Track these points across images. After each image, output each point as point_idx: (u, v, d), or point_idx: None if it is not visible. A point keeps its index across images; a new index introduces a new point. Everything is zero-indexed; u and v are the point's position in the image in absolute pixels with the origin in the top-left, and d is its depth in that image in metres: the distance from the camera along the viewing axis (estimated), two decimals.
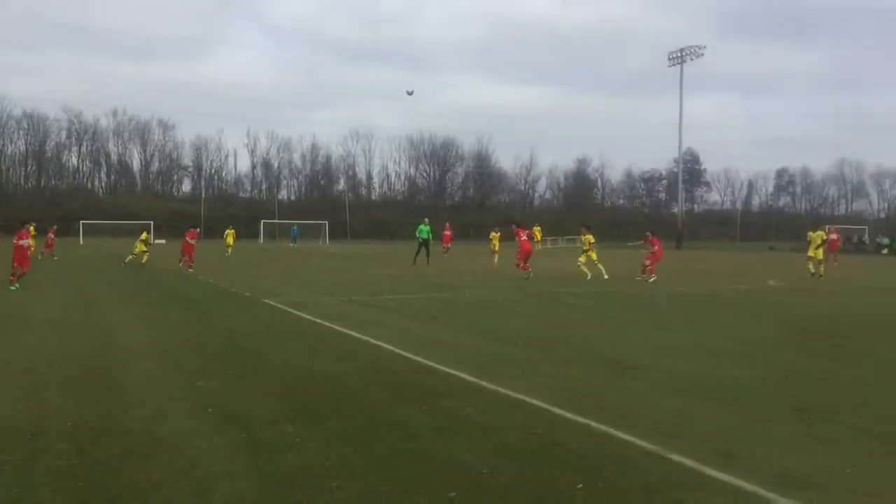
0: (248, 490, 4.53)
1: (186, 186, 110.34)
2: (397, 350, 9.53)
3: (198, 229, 29.13)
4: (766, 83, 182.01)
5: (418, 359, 8.92)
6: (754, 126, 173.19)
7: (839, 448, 5.51)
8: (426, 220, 33.14)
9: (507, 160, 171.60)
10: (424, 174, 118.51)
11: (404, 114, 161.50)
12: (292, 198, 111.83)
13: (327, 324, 12.01)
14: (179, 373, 8.08)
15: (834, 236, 34.98)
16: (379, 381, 7.66)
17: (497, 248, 32.95)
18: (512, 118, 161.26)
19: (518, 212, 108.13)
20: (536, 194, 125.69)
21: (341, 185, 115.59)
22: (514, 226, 25.16)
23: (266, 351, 9.54)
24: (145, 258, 29.05)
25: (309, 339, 10.51)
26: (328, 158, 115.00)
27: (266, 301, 15.51)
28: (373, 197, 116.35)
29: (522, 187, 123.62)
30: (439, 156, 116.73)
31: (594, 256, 23.44)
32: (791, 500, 4.42)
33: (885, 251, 60.75)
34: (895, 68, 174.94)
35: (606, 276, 22.75)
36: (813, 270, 24.87)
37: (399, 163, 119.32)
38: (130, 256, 29.21)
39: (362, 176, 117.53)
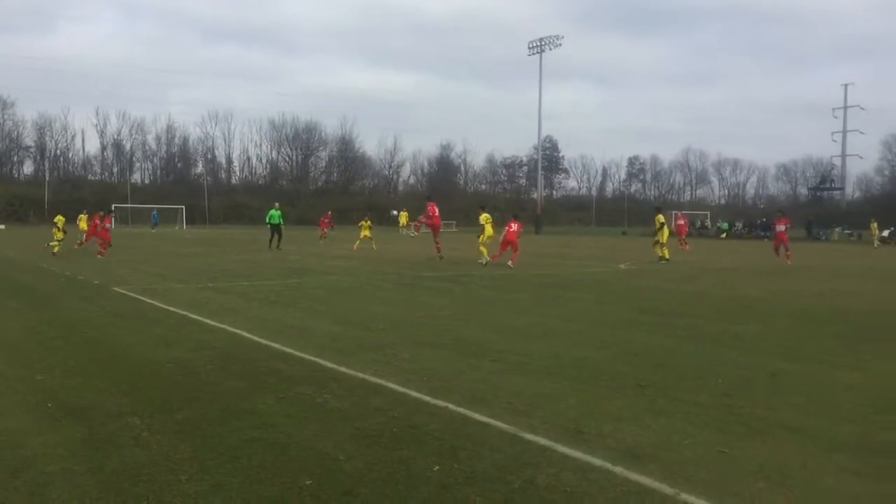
0: (89, 488, 4.30)
1: (28, 168, 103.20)
2: (254, 337, 9.31)
3: (112, 214, 26.87)
4: (619, 75, 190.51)
5: (275, 346, 8.76)
6: (609, 115, 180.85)
7: (677, 422, 5.84)
8: (276, 204, 33.23)
9: (371, 145, 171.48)
10: (287, 158, 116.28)
11: (266, 96, 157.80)
12: (146, 181, 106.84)
13: (181, 312, 11.58)
14: (14, 366, 7.56)
15: (681, 221, 37.14)
16: (233, 370, 7.46)
17: (368, 235, 32.98)
18: (376, 103, 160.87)
19: (383, 197, 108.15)
20: (401, 179, 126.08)
21: (199, 168, 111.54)
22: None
23: (113, 342, 9.09)
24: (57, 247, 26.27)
25: (160, 329, 10.09)
26: (185, 140, 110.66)
27: (116, 289, 14.77)
28: (233, 181, 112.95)
29: (387, 172, 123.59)
30: (302, 139, 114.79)
31: (489, 234, 23.80)
32: (634, 473, 4.64)
33: (723, 235, 65.05)
34: (735, 64, 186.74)
35: (483, 261, 22.98)
36: (660, 254, 26.34)
37: (260, 146, 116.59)
38: (54, 242, 26.31)
39: (222, 159, 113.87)
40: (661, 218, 27.32)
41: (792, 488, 4.44)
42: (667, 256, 26.18)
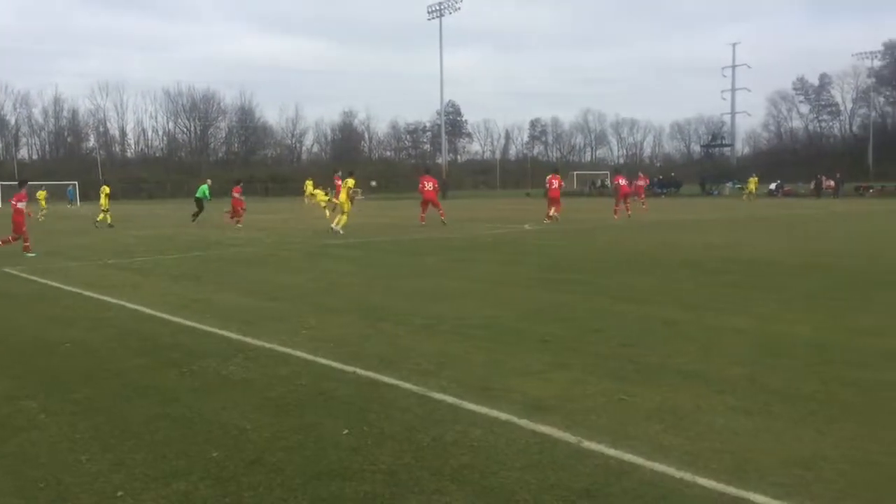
0: None
1: None
2: (156, 313, 9.07)
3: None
4: (518, 39, 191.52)
5: (178, 320, 8.56)
6: (510, 79, 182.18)
7: (579, 373, 6.03)
8: (208, 181, 33.30)
9: (272, 114, 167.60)
10: (184, 129, 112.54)
11: (159, 65, 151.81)
12: (35, 157, 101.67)
13: (77, 290, 11.15)
14: None
15: (641, 182, 38.88)
16: (135, 347, 7.27)
17: (324, 198, 32.33)
18: (276, 70, 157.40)
19: (286, 166, 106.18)
20: (304, 148, 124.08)
21: (91, 142, 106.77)
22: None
23: (3, 324, 8.69)
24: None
25: (56, 309, 9.71)
26: (74, 113, 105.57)
27: (5, 270, 14.07)
28: (128, 154, 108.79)
29: (290, 141, 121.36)
30: (200, 110, 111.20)
31: (329, 199, 22.93)
32: (539, 424, 4.78)
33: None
34: (630, 28, 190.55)
35: (336, 228, 22.13)
36: (552, 214, 27.13)
37: (156, 117, 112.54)
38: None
39: (115, 132, 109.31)
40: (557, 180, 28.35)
41: (686, 429, 4.66)
42: (549, 217, 27.08)
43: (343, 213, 22.64)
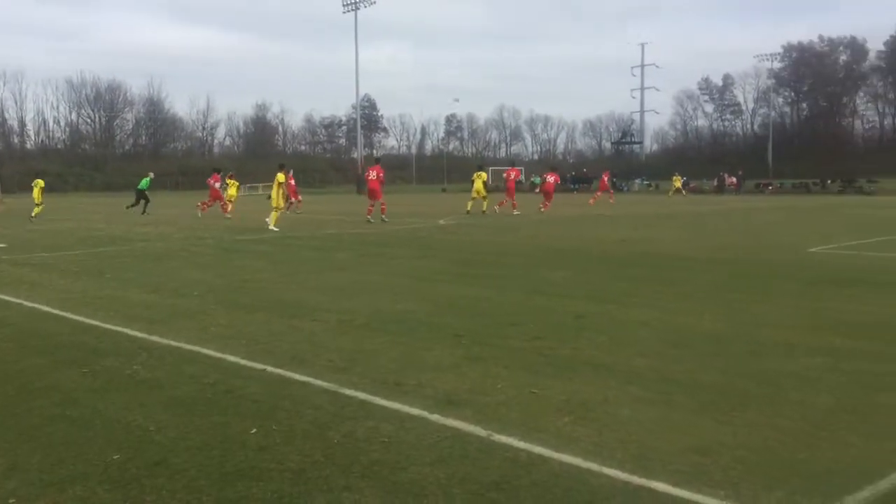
0: None
1: None
2: (56, 311, 8.71)
3: None
4: (433, 33, 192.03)
5: (80, 318, 8.24)
6: (425, 74, 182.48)
7: (491, 367, 6.08)
8: (151, 174, 34.43)
9: (182, 106, 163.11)
10: (89, 120, 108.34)
11: (61, 54, 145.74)
12: None
13: None
14: None
15: (605, 177, 40.39)
16: (33, 346, 6.96)
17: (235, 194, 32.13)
18: (186, 62, 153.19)
19: (197, 159, 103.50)
20: (216, 141, 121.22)
21: None
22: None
23: None
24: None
25: None
26: None
27: None
28: (28, 146, 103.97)
29: (200, 134, 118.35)
30: (105, 100, 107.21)
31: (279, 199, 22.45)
32: (450, 419, 4.80)
33: (537, 190, 67.78)
34: (545, 25, 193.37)
35: (272, 225, 21.50)
36: (471, 206, 27.92)
37: (58, 108, 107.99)
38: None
39: (13, 122, 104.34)
40: (483, 175, 28.86)
41: (594, 420, 4.76)
42: (468, 209, 28.40)
43: (275, 209, 21.95)
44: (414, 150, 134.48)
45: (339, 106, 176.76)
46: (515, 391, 5.42)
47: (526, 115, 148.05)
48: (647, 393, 5.33)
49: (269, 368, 6.05)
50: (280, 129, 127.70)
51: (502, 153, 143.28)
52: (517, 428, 4.62)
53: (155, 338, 7.22)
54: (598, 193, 41.18)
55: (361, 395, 5.33)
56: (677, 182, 53.95)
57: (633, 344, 6.82)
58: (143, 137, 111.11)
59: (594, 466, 4.00)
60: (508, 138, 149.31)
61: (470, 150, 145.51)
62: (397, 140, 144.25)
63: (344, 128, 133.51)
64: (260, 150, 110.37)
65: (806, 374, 5.75)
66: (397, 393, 5.38)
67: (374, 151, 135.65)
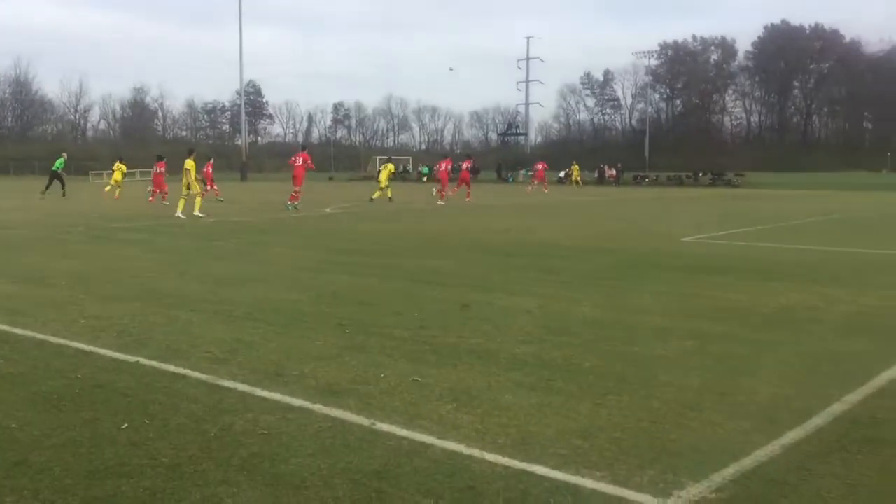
0: None
1: None
2: None
3: None
4: (322, 20, 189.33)
5: None
6: (313, 61, 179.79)
7: (375, 356, 6.05)
8: (64, 154, 35.26)
9: (52, 87, 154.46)
10: None
11: None
12: None
13: None
14: None
15: (539, 167, 41.78)
16: None
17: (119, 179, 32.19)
18: (57, 41, 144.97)
19: (69, 143, 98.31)
20: (89, 124, 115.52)
21: None
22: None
23: None
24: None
25: None
26: None
27: None
28: None
29: (72, 117, 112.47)
30: None
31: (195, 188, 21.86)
32: (333, 409, 4.73)
33: (424, 178, 68.11)
34: (434, 15, 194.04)
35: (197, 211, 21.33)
36: (377, 196, 28.49)
37: None
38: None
39: None
40: (391, 168, 29.85)
41: (476, 407, 4.81)
42: (374, 197, 28.65)
43: (191, 195, 21.47)
44: (300, 138, 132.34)
45: (222, 91, 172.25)
46: (399, 380, 5.40)
47: (414, 104, 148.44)
48: (529, 379, 5.43)
49: (143, 361, 5.80)
50: (160, 113, 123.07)
51: (390, 143, 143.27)
52: (400, 416, 4.61)
53: (18, 330, 6.80)
54: (535, 182, 43.36)
55: (241, 387, 5.19)
56: (577, 172, 55.01)
57: (517, 331, 6.93)
58: (9, 119, 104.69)
59: (476, 452, 4.04)
60: (396, 128, 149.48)
61: (357, 138, 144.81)
62: (283, 127, 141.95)
63: (228, 114, 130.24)
64: (138, 134, 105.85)
65: (677, 358, 6.00)
66: (278, 384, 5.27)
67: (259, 138, 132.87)
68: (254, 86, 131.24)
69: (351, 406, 4.79)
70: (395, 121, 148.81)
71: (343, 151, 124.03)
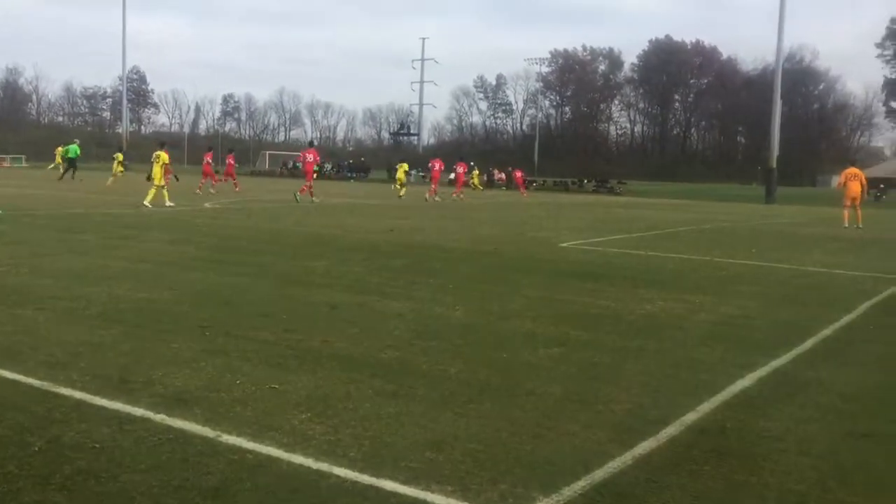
0: None
1: None
2: None
3: None
4: (212, 8, 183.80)
5: None
6: (203, 50, 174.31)
7: (234, 361, 5.76)
8: (77, 140, 40.20)
9: None
10: None
11: None
12: None
13: None
14: None
15: (437, 166, 40.18)
16: None
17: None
18: None
19: None
20: None
21: None
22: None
23: None
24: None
25: None
26: None
27: None
28: None
29: None
30: None
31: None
32: (177, 419, 4.44)
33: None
34: (329, 10, 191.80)
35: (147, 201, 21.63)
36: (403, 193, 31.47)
37: None
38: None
39: None
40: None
41: (332, 416, 4.61)
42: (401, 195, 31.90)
43: (158, 187, 22.29)
44: (187, 129, 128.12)
45: (104, 76, 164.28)
46: (255, 387, 5.14)
47: (307, 100, 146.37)
48: (391, 386, 5.28)
49: None
50: (35, 97, 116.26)
51: (281, 137, 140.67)
52: (249, 427, 4.36)
53: None
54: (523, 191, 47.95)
55: (78, 395, 4.81)
56: (476, 178, 54.93)
57: (385, 336, 6.77)
58: None
59: (325, 466, 3.85)
60: (288, 122, 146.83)
61: (247, 132, 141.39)
62: (169, 117, 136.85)
63: (109, 100, 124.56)
64: (9, 118, 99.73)
65: (542, 365, 5.99)
66: (121, 391, 4.91)
67: (143, 128, 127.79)
68: (138, 72, 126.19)
69: (197, 416, 4.51)
70: (288, 116, 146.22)
71: (232, 145, 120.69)
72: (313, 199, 27.27)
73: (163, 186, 22.38)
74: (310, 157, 27.88)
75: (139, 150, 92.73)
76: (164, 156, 22.61)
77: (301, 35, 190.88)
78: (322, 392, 5.09)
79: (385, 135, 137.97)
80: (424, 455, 4.04)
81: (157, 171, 22.54)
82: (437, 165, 36.25)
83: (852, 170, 24.43)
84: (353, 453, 4.03)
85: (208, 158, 31.83)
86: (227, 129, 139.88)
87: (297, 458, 3.94)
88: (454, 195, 35.44)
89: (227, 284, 9.10)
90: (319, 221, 19.55)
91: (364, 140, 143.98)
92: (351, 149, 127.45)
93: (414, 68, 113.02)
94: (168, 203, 21.84)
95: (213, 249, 12.44)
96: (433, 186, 34.72)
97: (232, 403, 4.79)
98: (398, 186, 35.87)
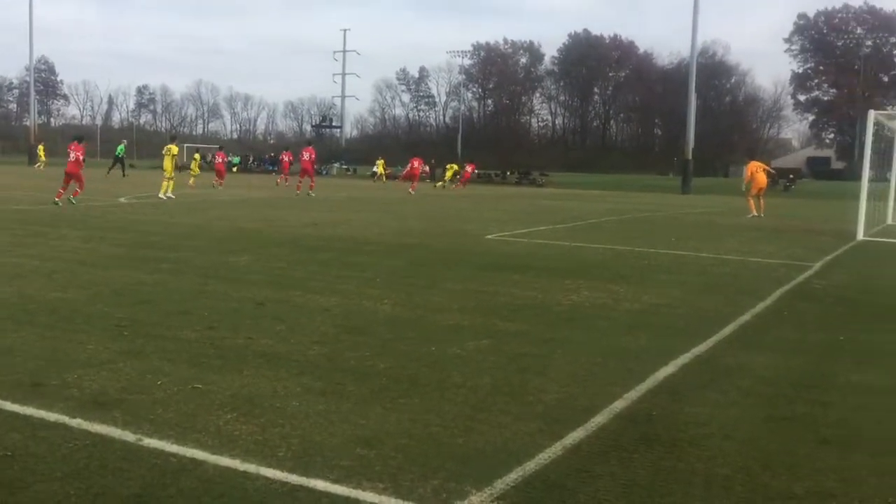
0: None
1: None
2: None
3: None
4: None
5: None
6: (116, 40, 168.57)
7: (154, 361, 5.57)
8: (124, 141, 43.61)
9: None
10: None
11: None
12: None
13: None
14: None
15: (416, 164, 40.79)
16: None
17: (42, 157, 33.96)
18: None
19: None
20: None
21: None
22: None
23: None
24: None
25: None
26: None
27: None
28: None
29: None
30: None
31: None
32: (95, 423, 4.25)
33: (234, 168, 65.94)
34: (249, 0, 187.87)
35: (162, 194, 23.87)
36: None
37: None
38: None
39: None
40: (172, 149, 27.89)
41: (259, 416, 4.50)
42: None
43: (169, 178, 24.41)
44: (99, 122, 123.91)
45: (8, 67, 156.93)
46: (177, 387, 4.98)
47: (225, 92, 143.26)
48: (319, 383, 5.19)
49: None
50: None
51: (199, 130, 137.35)
52: (172, 429, 4.21)
53: None
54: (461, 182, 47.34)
55: None
56: (450, 172, 54.61)
57: (312, 331, 6.66)
58: None
59: (252, 468, 3.74)
60: (206, 115, 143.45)
61: (163, 124, 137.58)
62: (80, 109, 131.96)
63: (15, 91, 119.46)
64: None
65: (471, 357, 5.98)
66: (34, 395, 4.68)
67: (53, 120, 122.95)
68: (46, 62, 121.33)
69: (117, 420, 4.33)
70: (206, 108, 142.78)
71: (147, 138, 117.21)
72: (311, 192, 29.25)
73: (172, 178, 24.34)
74: (306, 155, 30.95)
75: (48, 143, 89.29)
76: (174, 148, 25.42)
77: (218, 25, 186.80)
78: (248, 391, 4.96)
79: (307, 127, 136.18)
80: (355, 452, 3.98)
81: (167, 163, 24.90)
82: (416, 163, 38.86)
83: (757, 163, 25.71)
84: (281, 453, 3.94)
85: (221, 157, 34.62)
86: (142, 121, 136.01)
87: (223, 460, 3.82)
88: (411, 190, 36.09)
89: (145, 282, 8.81)
90: (241, 215, 19.15)
91: (286, 133, 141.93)
92: (272, 142, 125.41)
93: (336, 60, 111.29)
94: (169, 194, 23.89)
95: (130, 246, 12.03)
96: (414, 183, 36.96)
97: (153, 405, 4.62)
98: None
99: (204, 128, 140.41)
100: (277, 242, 13.17)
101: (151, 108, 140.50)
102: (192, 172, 34.93)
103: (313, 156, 31.37)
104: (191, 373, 5.32)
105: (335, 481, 3.61)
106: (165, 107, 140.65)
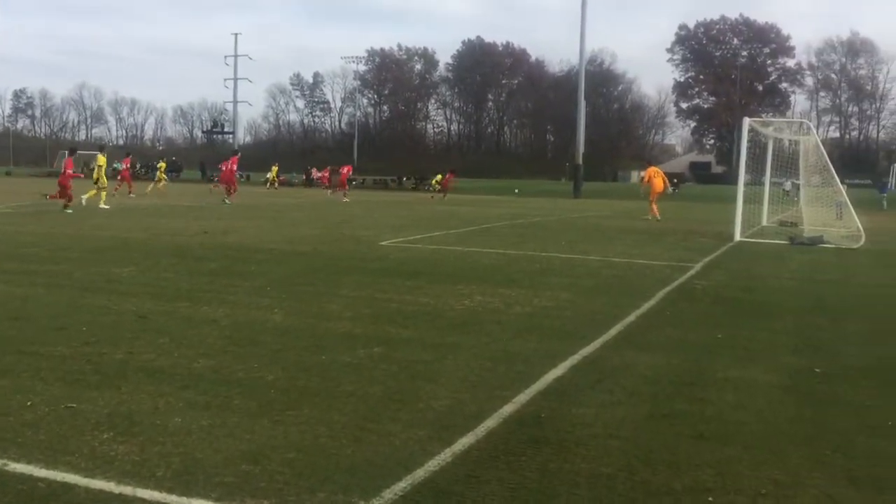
0: None
1: None
2: None
3: None
4: None
5: None
6: None
7: (25, 380, 5.26)
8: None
9: None
10: None
11: None
12: None
13: None
14: None
15: (345, 170, 41.35)
16: None
17: None
18: None
19: None
20: None
21: None
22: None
23: None
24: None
25: None
26: None
27: None
28: None
29: None
30: None
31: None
32: None
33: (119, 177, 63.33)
34: (134, 2, 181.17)
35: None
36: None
37: None
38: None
39: None
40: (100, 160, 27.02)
41: (138, 434, 4.30)
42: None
43: (99, 187, 24.62)
44: None
45: None
46: (49, 408, 4.71)
47: (110, 96, 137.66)
48: (205, 397, 5.02)
49: None
50: None
51: (82, 136, 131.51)
52: (41, 452, 3.98)
53: None
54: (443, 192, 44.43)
55: None
56: (274, 173, 54.22)
57: (198, 344, 6.45)
58: None
59: (128, 490, 3.57)
60: (90, 120, 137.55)
61: (43, 129, 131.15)
62: None
63: None
64: None
65: (362, 365, 5.92)
66: None
67: None
68: None
69: None
70: (89, 112, 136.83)
71: (25, 144, 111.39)
72: (226, 200, 29.71)
73: (104, 188, 24.75)
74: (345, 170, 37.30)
75: None
76: (102, 158, 25.76)
77: (102, 28, 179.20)
78: (126, 408, 4.74)
79: (198, 133, 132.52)
80: (240, 468, 3.86)
81: (98, 173, 25.17)
82: (346, 170, 41.01)
83: (655, 168, 26.77)
84: (160, 473, 3.78)
85: (234, 165, 32.46)
86: (19, 126, 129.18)
87: (97, 483, 3.64)
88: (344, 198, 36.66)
89: (17, 296, 8.32)
90: (124, 224, 18.40)
91: (175, 139, 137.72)
92: (161, 147, 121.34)
93: (227, 65, 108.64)
94: (101, 205, 23.81)
95: (0, 258, 11.35)
96: (345, 188, 39.06)
97: (21, 428, 4.36)
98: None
99: (87, 133, 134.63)
100: (163, 252, 12.71)
101: (29, 112, 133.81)
102: (160, 177, 38.40)
103: (234, 165, 31.94)
104: (64, 391, 5.05)
105: (217, 499, 3.50)
106: (45, 111, 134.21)
